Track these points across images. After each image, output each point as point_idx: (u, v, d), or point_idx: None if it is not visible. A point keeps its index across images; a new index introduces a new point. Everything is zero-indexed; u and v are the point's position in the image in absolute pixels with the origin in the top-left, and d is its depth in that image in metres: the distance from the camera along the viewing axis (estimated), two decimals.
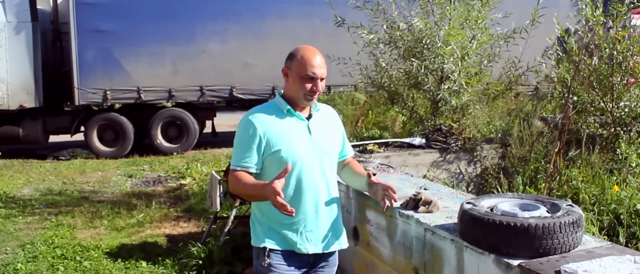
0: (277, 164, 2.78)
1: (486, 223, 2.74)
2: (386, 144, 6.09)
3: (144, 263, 5.91)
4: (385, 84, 7.10)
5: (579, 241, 2.77)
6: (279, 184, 2.52)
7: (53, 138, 13.66)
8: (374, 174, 3.03)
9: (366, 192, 3.14)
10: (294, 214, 2.59)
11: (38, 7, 12.58)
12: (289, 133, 2.82)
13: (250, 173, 2.80)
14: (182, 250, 6.01)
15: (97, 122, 12.85)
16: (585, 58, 6.40)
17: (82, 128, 13.02)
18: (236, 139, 2.85)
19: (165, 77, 12.80)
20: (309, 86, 2.78)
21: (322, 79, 2.82)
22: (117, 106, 13.30)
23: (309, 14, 12.75)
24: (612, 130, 6.28)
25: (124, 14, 12.40)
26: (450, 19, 6.48)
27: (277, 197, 2.51)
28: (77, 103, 12.56)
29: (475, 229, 2.82)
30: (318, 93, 2.83)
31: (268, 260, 2.83)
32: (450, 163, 6.13)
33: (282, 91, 2.93)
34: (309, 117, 2.90)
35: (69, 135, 13.18)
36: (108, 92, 12.52)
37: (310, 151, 2.84)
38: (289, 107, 2.85)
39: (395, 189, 2.93)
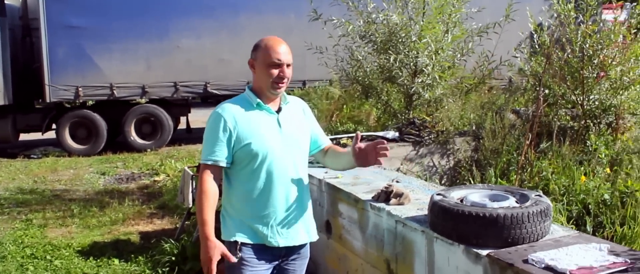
0: (247, 158, 2.77)
1: (456, 213, 2.75)
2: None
3: (116, 261, 5.83)
4: (360, 78, 7.10)
5: (547, 230, 2.79)
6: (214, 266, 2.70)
7: (23, 136, 13.43)
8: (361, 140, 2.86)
9: (357, 166, 2.89)
10: None
11: (6, 2, 12.34)
12: (259, 127, 2.80)
13: (220, 167, 2.78)
14: (155, 247, 5.94)
15: (69, 120, 12.65)
16: (557, 52, 6.47)
17: (54, 126, 12.80)
18: (206, 134, 2.82)
19: (139, 74, 12.65)
20: (275, 72, 2.77)
21: (288, 66, 2.80)
22: (89, 102, 13.11)
23: (284, 9, 12.72)
24: (583, 122, 6.36)
25: (95, 9, 12.23)
26: (424, 13, 6.50)
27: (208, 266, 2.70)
28: (48, 100, 12.35)
29: (445, 220, 2.83)
30: (285, 80, 2.80)
31: (240, 254, 2.82)
32: (424, 156, 6.14)
33: (251, 85, 2.90)
34: (279, 110, 2.88)
35: (40, 133, 12.96)
36: (80, 89, 12.33)
37: (281, 145, 2.82)
38: (258, 100, 2.83)
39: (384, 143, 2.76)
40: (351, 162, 2.91)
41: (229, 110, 2.79)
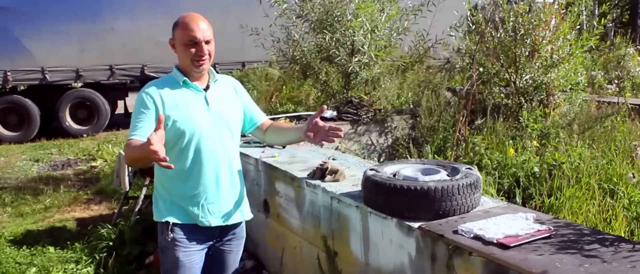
0: (175, 137, 2.71)
1: (388, 187, 2.78)
2: (298, 118, 6.09)
3: (51, 249, 5.67)
4: (298, 58, 7.09)
5: (477, 202, 2.87)
6: (155, 137, 2.28)
7: None
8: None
9: (306, 141, 2.83)
10: (172, 167, 2.36)
11: None
12: (185, 105, 2.74)
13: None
14: (92, 233, 5.79)
15: None
16: (491, 30, 6.62)
17: None
18: (133, 114, 2.73)
19: (72, 57, 12.23)
20: (193, 51, 2.72)
21: (207, 42, 2.74)
22: (20, 87, 12.61)
23: None
24: (516, 99, 6.54)
25: None
26: None
27: (151, 147, 2.25)
28: None
29: (378, 195, 2.85)
30: (205, 57, 2.74)
31: (172, 235, 2.78)
32: (362, 135, 6.20)
33: (178, 63, 2.84)
34: (207, 88, 2.83)
35: None
36: (9, 74, 11.85)
37: (209, 123, 2.77)
38: (184, 78, 2.77)
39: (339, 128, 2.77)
40: (298, 136, 2.87)
41: (154, 89, 2.73)
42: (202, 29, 2.72)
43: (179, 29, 2.74)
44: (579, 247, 2.31)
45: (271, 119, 3.23)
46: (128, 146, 2.61)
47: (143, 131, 2.61)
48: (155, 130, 2.35)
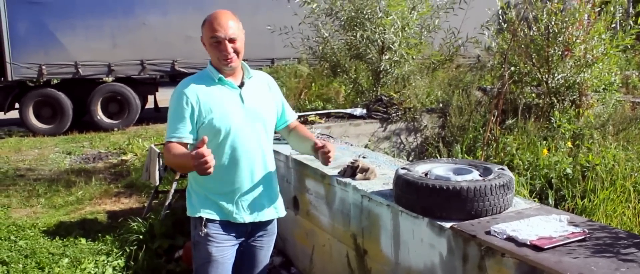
0: (211, 133, 2.73)
1: (420, 187, 2.77)
2: (327, 115, 6.10)
3: (83, 240, 5.76)
4: (328, 55, 7.08)
5: (510, 203, 2.84)
6: (205, 150, 2.39)
7: None
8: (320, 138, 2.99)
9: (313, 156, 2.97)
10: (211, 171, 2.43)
11: None
12: (221, 102, 2.76)
13: (185, 144, 2.73)
14: (122, 226, 5.88)
15: (33, 99, 12.36)
16: (523, 29, 6.54)
17: (17, 105, 12.50)
18: (170, 112, 2.77)
19: (104, 51, 12.41)
20: (218, 49, 2.72)
21: (231, 41, 2.71)
22: (54, 81, 12.84)
23: None
24: (548, 99, 6.46)
25: None
26: None
27: (201, 157, 2.37)
28: (9, 78, 12.02)
29: (409, 194, 2.84)
30: (230, 56, 2.72)
31: (205, 230, 2.80)
32: (392, 133, 6.18)
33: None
34: (242, 85, 2.84)
35: (2, 112, 12.64)
36: (43, 67, 12.06)
37: (244, 120, 2.79)
38: (220, 75, 2.78)
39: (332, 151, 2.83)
40: (309, 152, 2.96)
41: (191, 86, 2.74)
42: (226, 27, 2.69)
43: (205, 27, 2.74)
44: (615, 251, 2.27)
45: (299, 116, 3.24)
46: (168, 151, 2.67)
47: (181, 132, 2.68)
48: (196, 148, 2.41)
